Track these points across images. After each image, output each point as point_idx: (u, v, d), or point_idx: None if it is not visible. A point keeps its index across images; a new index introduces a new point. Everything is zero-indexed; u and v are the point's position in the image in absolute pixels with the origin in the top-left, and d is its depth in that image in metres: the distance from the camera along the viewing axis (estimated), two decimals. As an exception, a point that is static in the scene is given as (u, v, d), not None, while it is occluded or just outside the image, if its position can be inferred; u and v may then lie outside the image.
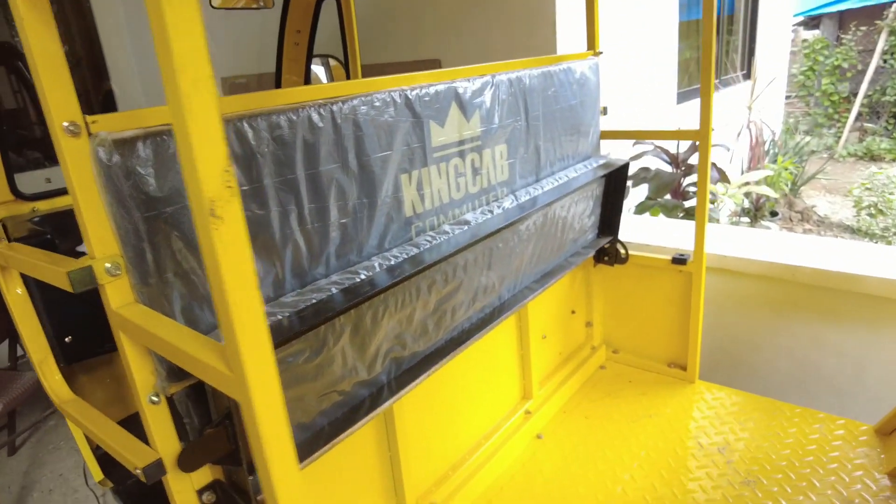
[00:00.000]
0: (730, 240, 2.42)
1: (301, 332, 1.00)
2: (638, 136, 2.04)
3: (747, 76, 5.98)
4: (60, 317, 1.33)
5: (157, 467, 0.97)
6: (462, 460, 1.74)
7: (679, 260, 2.06)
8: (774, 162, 5.32)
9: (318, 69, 3.50)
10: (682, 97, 4.71)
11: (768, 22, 6.47)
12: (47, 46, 0.77)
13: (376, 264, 1.20)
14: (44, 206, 1.89)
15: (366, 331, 1.20)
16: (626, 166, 2.00)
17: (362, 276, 1.16)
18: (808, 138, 7.62)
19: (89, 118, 0.83)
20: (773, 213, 5.28)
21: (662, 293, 2.17)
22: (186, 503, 1.03)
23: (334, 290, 1.11)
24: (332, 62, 3.34)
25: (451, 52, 3.15)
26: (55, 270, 0.86)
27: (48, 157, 3.82)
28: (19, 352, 2.87)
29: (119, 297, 0.89)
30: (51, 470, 2.96)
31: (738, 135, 5.31)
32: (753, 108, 5.39)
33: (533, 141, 1.69)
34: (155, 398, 0.95)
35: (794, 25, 11.93)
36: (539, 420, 1.99)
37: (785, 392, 2.39)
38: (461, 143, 1.43)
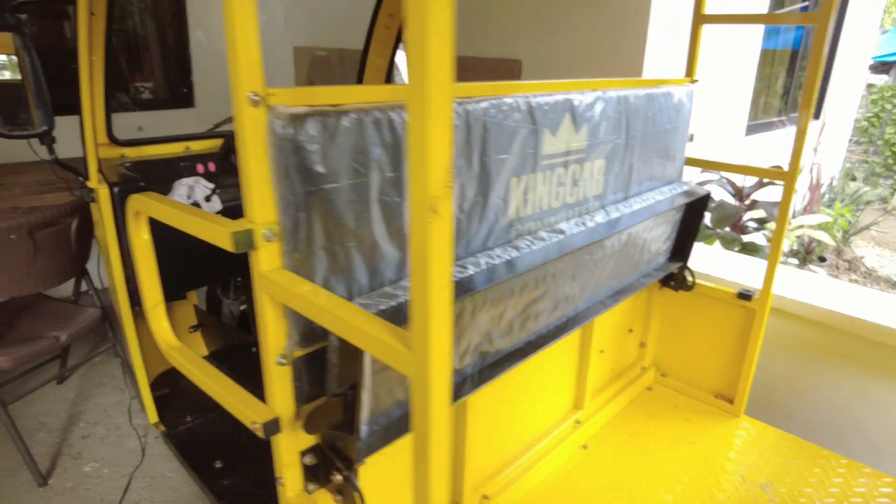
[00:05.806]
0: (792, 283, 2.42)
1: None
2: (722, 167, 2.05)
3: (817, 116, 5.87)
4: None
5: (274, 425, 1.03)
6: (514, 458, 1.79)
7: (745, 295, 2.07)
8: (829, 207, 5.23)
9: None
10: (751, 129, 4.66)
11: (844, 63, 6.33)
12: (245, 22, 0.82)
13: (482, 262, 1.25)
14: (132, 153, 1.96)
15: (464, 323, 1.25)
16: (707, 197, 2.01)
17: (470, 272, 1.21)
18: (866, 187, 7.44)
19: (268, 91, 0.89)
20: (822, 259, 5.20)
21: (721, 325, 2.19)
22: (291, 462, 1.10)
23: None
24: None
25: (532, 55, 3.17)
26: (218, 230, 0.92)
27: (135, 101, 3.93)
28: (83, 287, 2.99)
29: (269, 261, 0.95)
30: (96, 404, 3.09)
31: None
32: (818, 150, 5.30)
33: (628, 159, 1.72)
34: (282, 360, 1.01)
35: (863, 69, 11.63)
36: (587, 430, 2.03)
37: (819, 438, 2.38)
38: (567, 153, 1.46)
